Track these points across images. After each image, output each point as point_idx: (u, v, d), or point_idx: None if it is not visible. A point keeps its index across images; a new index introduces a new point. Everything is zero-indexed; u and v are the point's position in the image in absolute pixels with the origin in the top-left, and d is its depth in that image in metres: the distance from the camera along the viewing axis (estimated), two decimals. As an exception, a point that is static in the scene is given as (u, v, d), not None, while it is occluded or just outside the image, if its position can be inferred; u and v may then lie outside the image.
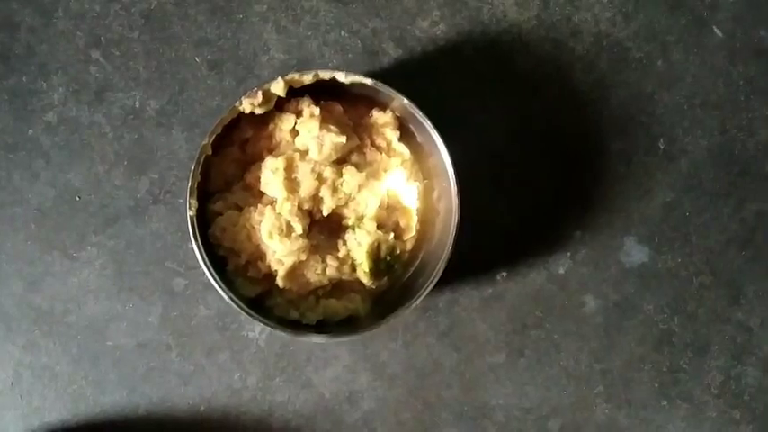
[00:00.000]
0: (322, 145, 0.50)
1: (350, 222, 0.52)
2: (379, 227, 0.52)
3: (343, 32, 0.57)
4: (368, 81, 0.49)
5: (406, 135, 0.54)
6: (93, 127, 0.56)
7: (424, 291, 0.50)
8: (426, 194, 0.54)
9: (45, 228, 0.56)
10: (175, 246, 0.56)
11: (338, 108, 0.52)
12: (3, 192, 0.56)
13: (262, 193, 0.51)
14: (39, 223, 0.56)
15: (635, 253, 0.58)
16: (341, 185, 0.51)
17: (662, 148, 0.58)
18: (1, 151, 0.56)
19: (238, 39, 0.56)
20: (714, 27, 0.58)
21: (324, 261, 0.51)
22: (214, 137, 0.49)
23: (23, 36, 0.56)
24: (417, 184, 0.54)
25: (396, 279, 0.54)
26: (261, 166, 0.51)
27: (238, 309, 0.49)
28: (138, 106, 0.56)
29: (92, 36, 0.56)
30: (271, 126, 0.51)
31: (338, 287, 0.53)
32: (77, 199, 0.56)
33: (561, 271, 0.57)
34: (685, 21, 0.58)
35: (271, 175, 0.50)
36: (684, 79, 0.58)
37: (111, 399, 0.56)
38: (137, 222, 0.56)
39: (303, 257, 0.50)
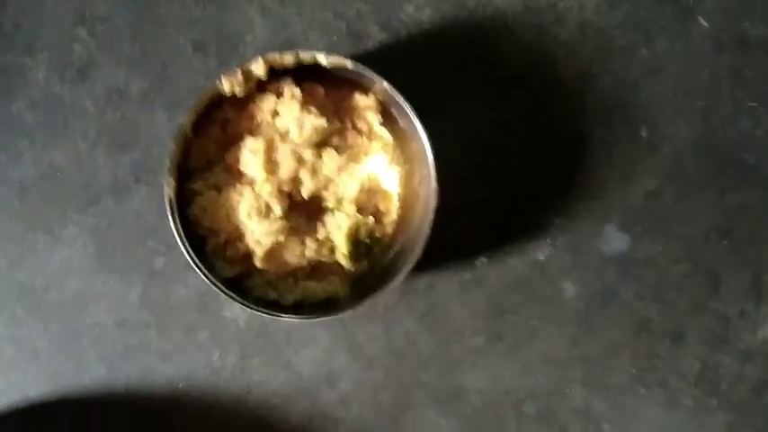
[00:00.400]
0: (302, 127, 0.50)
1: (330, 205, 0.52)
2: (358, 210, 0.52)
3: (327, 14, 0.57)
4: (349, 64, 0.49)
5: (388, 119, 0.54)
6: (77, 105, 0.56)
7: (403, 274, 0.50)
8: (407, 179, 0.54)
9: (28, 205, 0.56)
10: (156, 225, 0.56)
11: (320, 90, 0.52)
12: (-15, 169, 0.56)
13: (242, 174, 0.51)
14: (21, 201, 0.56)
15: (615, 240, 0.58)
16: (321, 168, 0.51)
17: (644, 136, 0.58)
18: (-16, 128, 0.56)
19: (223, 19, 0.56)
20: (700, 17, 0.58)
21: (303, 243, 0.51)
22: (195, 116, 0.49)
23: (10, 12, 0.56)
24: (398, 168, 0.54)
25: (375, 262, 0.54)
26: (241, 147, 0.51)
27: (216, 289, 0.49)
28: (121, 86, 0.56)
29: (77, 14, 0.56)
30: (251, 107, 0.52)
31: (317, 269, 0.53)
32: (59, 177, 0.56)
33: (541, 257, 0.58)
34: (671, 10, 0.58)
35: (251, 156, 0.50)
36: (669, 68, 0.58)
37: (91, 375, 0.57)
38: (118, 201, 0.56)
39: (282, 239, 0.51)
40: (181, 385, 0.57)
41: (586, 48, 0.58)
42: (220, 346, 0.57)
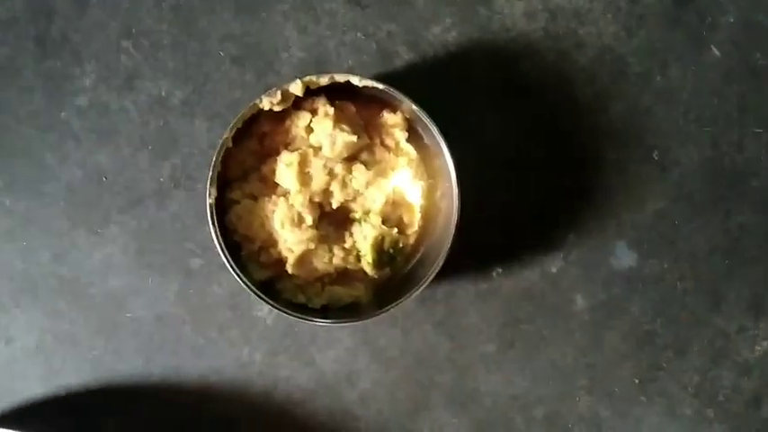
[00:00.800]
0: (334, 143, 0.53)
1: (357, 216, 0.55)
2: (383, 221, 0.55)
3: (359, 34, 0.60)
4: (380, 86, 0.52)
5: (413, 136, 0.56)
6: (122, 112, 0.59)
7: (424, 282, 0.53)
8: (430, 193, 0.57)
9: (73, 205, 0.59)
10: (193, 228, 0.59)
11: (351, 108, 0.55)
12: (35, 169, 0.59)
13: (276, 185, 0.54)
14: (67, 200, 0.59)
15: (624, 257, 0.61)
16: (350, 181, 0.54)
17: (656, 158, 0.61)
18: (35, 132, 0.59)
19: (261, 36, 0.59)
20: (712, 46, 0.61)
21: (331, 251, 0.54)
22: (235, 130, 0.52)
23: (59, 23, 0.59)
24: (422, 182, 0.57)
25: (397, 270, 0.57)
26: (277, 160, 0.54)
27: (249, 290, 0.52)
28: (164, 95, 0.59)
29: (124, 27, 0.59)
30: (287, 122, 0.55)
31: (343, 275, 0.56)
32: (104, 179, 0.59)
33: (554, 270, 0.61)
34: (685, 39, 0.60)
35: (285, 169, 0.53)
36: (681, 95, 0.61)
37: (128, 366, 0.60)
38: (158, 204, 0.59)
39: (312, 246, 0.54)
40: (212, 379, 0.60)
41: (603, 73, 0.60)
42: (249, 344, 0.60)
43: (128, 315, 0.60)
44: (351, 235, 0.55)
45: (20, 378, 0.60)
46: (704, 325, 0.61)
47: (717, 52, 0.61)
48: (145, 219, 0.59)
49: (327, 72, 0.53)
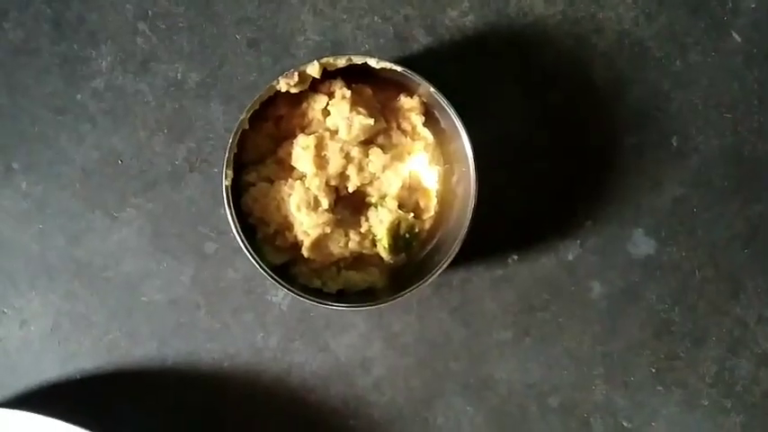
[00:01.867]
0: (351, 126, 0.53)
1: (373, 200, 0.55)
2: (400, 206, 0.55)
3: (376, 18, 0.59)
4: (398, 68, 0.52)
5: (430, 120, 0.56)
6: (138, 95, 0.59)
7: (439, 268, 0.52)
8: (446, 178, 0.57)
9: (88, 187, 0.59)
10: (208, 211, 0.59)
11: (368, 91, 0.55)
12: (50, 151, 0.59)
13: (292, 168, 0.54)
14: (83, 183, 0.59)
15: (642, 244, 0.60)
16: (367, 165, 0.54)
17: (674, 145, 0.60)
18: (50, 113, 0.59)
19: (277, 19, 0.59)
20: (733, 32, 0.60)
21: (347, 235, 0.54)
22: (251, 112, 0.52)
23: (76, 5, 0.59)
24: (438, 167, 0.57)
25: (413, 255, 0.57)
26: (293, 143, 0.54)
27: (265, 274, 0.52)
28: (179, 78, 0.59)
29: (140, 9, 0.59)
30: (304, 105, 0.54)
31: (359, 260, 0.56)
32: (119, 162, 0.59)
33: (570, 257, 0.60)
34: (705, 24, 0.60)
35: (302, 152, 0.53)
36: (700, 80, 0.60)
37: (143, 350, 0.60)
38: (173, 187, 0.59)
39: (328, 230, 0.53)
40: (226, 363, 0.60)
41: (622, 57, 0.60)
42: (264, 328, 0.60)
43: (143, 299, 0.60)
44: (367, 219, 0.55)
45: (35, 361, 0.60)
46: (722, 314, 0.61)
47: (737, 37, 0.60)
48: (160, 202, 0.59)
49: (344, 54, 0.52)
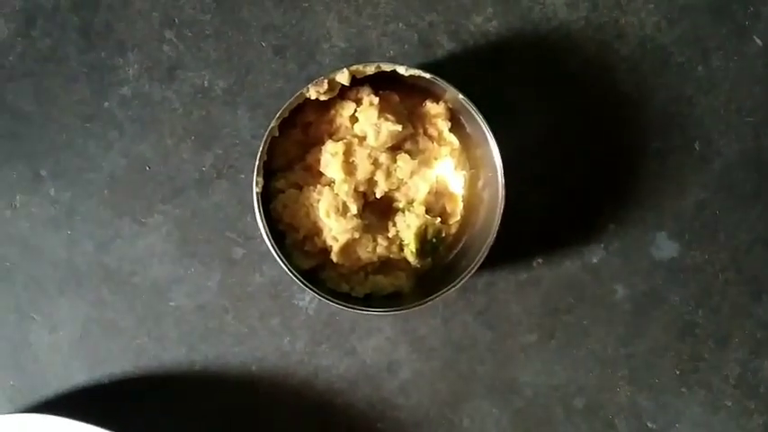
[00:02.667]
0: (379, 132, 0.53)
1: (400, 205, 0.56)
2: (427, 211, 0.55)
3: (401, 24, 0.60)
4: (427, 75, 0.52)
5: (455, 126, 0.57)
6: (165, 102, 0.60)
7: (467, 274, 0.53)
8: (472, 183, 0.57)
9: (116, 194, 0.60)
10: (235, 217, 0.60)
11: (395, 98, 0.55)
12: (79, 158, 0.60)
13: (321, 174, 0.55)
14: (111, 189, 0.60)
15: (665, 247, 0.61)
16: (394, 171, 0.54)
17: (697, 149, 0.61)
18: (78, 121, 0.60)
19: (303, 26, 0.60)
20: (755, 36, 0.60)
21: (374, 240, 0.55)
22: (281, 119, 0.53)
23: (103, 14, 0.60)
24: (464, 172, 0.57)
25: (439, 260, 0.57)
26: (321, 149, 0.54)
27: (295, 279, 0.52)
28: (206, 85, 0.60)
29: (166, 17, 0.60)
30: (332, 112, 0.55)
31: (386, 264, 0.56)
32: (147, 169, 0.60)
33: (594, 261, 0.61)
34: (727, 29, 0.60)
35: (330, 158, 0.54)
36: (722, 85, 0.60)
37: (171, 355, 0.60)
38: (201, 194, 0.60)
39: (356, 236, 0.54)
40: (254, 367, 0.60)
41: (645, 63, 0.60)
42: (291, 332, 0.60)
43: (171, 304, 0.60)
44: (394, 224, 0.56)
45: (64, 366, 0.60)
46: (746, 316, 0.61)
47: (759, 42, 0.60)
48: (187, 208, 0.60)
49: (373, 62, 0.53)
